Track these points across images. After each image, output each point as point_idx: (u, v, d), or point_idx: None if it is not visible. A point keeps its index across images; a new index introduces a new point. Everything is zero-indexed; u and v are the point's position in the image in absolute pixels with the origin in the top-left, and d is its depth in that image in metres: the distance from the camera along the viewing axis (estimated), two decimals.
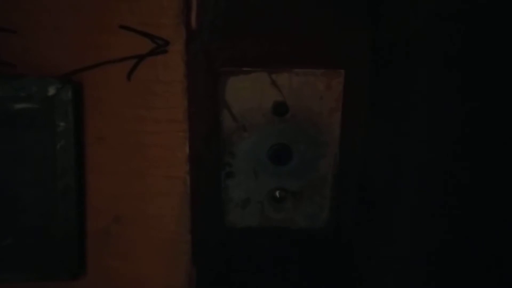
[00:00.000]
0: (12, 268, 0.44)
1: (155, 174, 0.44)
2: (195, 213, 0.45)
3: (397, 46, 0.42)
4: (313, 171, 0.43)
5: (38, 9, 0.42)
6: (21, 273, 0.44)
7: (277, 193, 0.44)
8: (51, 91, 0.41)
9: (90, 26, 0.42)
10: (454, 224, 0.45)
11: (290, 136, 0.42)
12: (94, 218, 0.45)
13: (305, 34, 0.41)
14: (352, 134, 0.43)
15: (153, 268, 0.46)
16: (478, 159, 0.44)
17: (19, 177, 0.43)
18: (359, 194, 0.44)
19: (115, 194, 0.45)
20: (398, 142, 0.44)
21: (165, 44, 0.42)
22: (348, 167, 0.44)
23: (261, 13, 0.41)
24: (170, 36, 0.42)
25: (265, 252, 0.45)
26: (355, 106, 0.42)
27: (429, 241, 0.45)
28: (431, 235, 0.45)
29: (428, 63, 0.42)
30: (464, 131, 0.43)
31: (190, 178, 0.44)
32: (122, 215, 0.45)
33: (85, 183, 0.45)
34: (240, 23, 0.41)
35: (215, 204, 0.44)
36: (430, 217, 0.45)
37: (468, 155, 0.44)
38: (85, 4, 0.41)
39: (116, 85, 0.43)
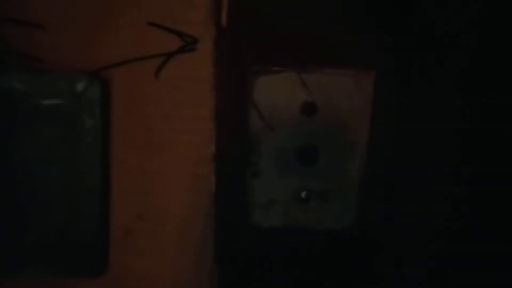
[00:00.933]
0: (35, 264, 0.44)
1: (180, 172, 0.44)
2: (220, 212, 0.45)
3: (426, 48, 0.42)
4: (339, 171, 0.43)
5: (66, 4, 0.42)
6: (44, 269, 0.44)
7: (303, 194, 0.44)
8: (79, 87, 0.41)
9: (119, 22, 0.42)
10: (483, 224, 0.45)
11: (318, 137, 0.42)
12: (118, 216, 0.45)
13: (335, 34, 0.41)
14: (380, 135, 0.43)
15: (176, 267, 0.46)
16: (507, 163, 0.43)
17: (45, 173, 0.42)
18: (386, 195, 0.44)
19: (139, 192, 0.45)
20: (426, 143, 0.44)
21: (194, 42, 0.41)
22: (375, 168, 0.43)
23: (291, 12, 0.41)
24: (199, 34, 0.41)
25: (290, 252, 0.45)
26: (384, 107, 0.42)
27: (457, 241, 0.45)
28: (459, 236, 0.45)
29: (456, 67, 0.42)
30: (494, 134, 0.43)
31: (215, 176, 0.44)
32: (146, 213, 0.45)
33: (110, 180, 0.44)
34: (270, 22, 0.41)
35: (240, 203, 0.44)
36: (459, 218, 0.44)
37: (497, 159, 0.43)
38: (115, 0, 0.41)
39: (144, 83, 0.42)
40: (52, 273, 0.44)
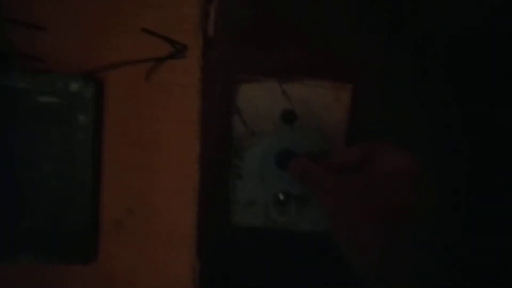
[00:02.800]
0: (28, 251, 0.47)
1: (167, 171, 0.47)
2: (203, 211, 0.47)
3: (408, 59, 0.44)
4: None
5: (67, 8, 0.44)
6: (36, 255, 0.47)
7: (280, 196, 0.46)
8: (75, 87, 0.44)
9: (115, 27, 0.44)
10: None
11: (296, 143, 0.44)
12: (108, 209, 0.48)
13: (318, 47, 0.43)
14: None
15: (160, 259, 0.49)
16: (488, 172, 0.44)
17: (40, 165, 0.45)
18: None
19: (128, 188, 0.47)
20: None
21: (184, 49, 0.44)
22: None
23: (275, 24, 0.43)
24: (189, 42, 0.44)
25: (268, 251, 0.47)
26: (362, 117, 0.44)
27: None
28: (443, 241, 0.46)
29: (439, 81, 0.44)
30: (474, 148, 0.44)
31: (199, 177, 0.46)
32: (134, 208, 0.48)
33: (101, 175, 0.47)
34: (255, 33, 0.43)
35: (222, 203, 0.47)
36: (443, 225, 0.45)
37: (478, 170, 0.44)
38: (112, 6, 0.44)
39: (136, 85, 0.45)
40: (44, 259, 0.47)
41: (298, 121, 0.44)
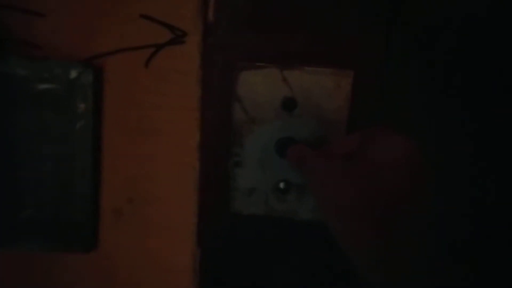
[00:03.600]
0: (29, 239, 0.47)
1: (167, 159, 0.47)
2: (203, 198, 0.47)
3: (410, 47, 0.43)
4: None
5: None
6: (36, 243, 0.47)
7: (281, 185, 0.45)
8: (73, 74, 0.43)
9: (114, 13, 0.44)
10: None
11: (297, 131, 0.44)
12: (109, 197, 0.48)
13: (319, 33, 0.42)
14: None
15: (160, 247, 0.49)
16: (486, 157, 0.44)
17: (40, 154, 0.45)
18: None
19: (129, 176, 0.47)
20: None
21: (183, 35, 0.43)
22: None
23: (276, 10, 0.42)
24: (188, 28, 0.43)
25: (268, 239, 0.47)
26: (363, 105, 0.43)
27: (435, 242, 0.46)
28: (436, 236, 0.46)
29: (438, 68, 0.43)
30: (473, 136, 0.44)
31: (200, 164, 0.46)
32: (134, 196, 0.48)
33: (102, 164, 0.47)
34: (255, 19, 0.42)
35: (222, 191, 0.46)
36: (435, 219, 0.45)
37: (476, 155, 0.44)
38: None
39: (135, 72, 0.45)
40: (45, 247, 0.47)
41: (299, 108, 0.43)
